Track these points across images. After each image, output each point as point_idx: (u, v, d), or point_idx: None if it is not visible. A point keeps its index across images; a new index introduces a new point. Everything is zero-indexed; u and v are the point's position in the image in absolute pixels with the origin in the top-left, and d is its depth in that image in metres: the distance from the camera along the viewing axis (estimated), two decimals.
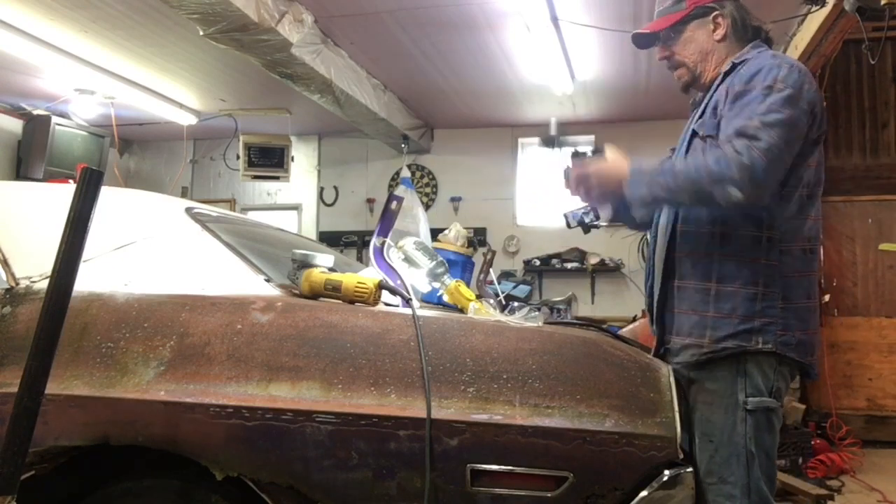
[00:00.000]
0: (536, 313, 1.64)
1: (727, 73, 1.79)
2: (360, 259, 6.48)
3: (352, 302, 1.57)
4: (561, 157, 1.95)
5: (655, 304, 1.80)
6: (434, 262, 1.97)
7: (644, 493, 1.34)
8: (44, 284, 1.46)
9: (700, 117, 1.80)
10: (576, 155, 1.79)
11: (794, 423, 4.77)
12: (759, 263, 1.68)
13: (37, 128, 5.98)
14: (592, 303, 6.49)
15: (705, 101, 1.82)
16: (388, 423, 1.36)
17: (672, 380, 1.45)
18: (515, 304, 1.72)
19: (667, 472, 1.36)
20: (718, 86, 1.79)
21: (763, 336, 1.66)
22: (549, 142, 1.93)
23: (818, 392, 5.39)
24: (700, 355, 1.67)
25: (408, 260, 1.97)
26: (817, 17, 3.82)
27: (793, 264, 1.70)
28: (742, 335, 1.66)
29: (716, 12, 1.84)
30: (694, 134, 1.79)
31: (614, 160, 1.76)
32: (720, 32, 1.84)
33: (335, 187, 7.25)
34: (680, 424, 1.38)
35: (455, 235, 3.16)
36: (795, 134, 1.62)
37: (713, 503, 1.65)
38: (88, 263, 1.50)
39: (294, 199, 7.27)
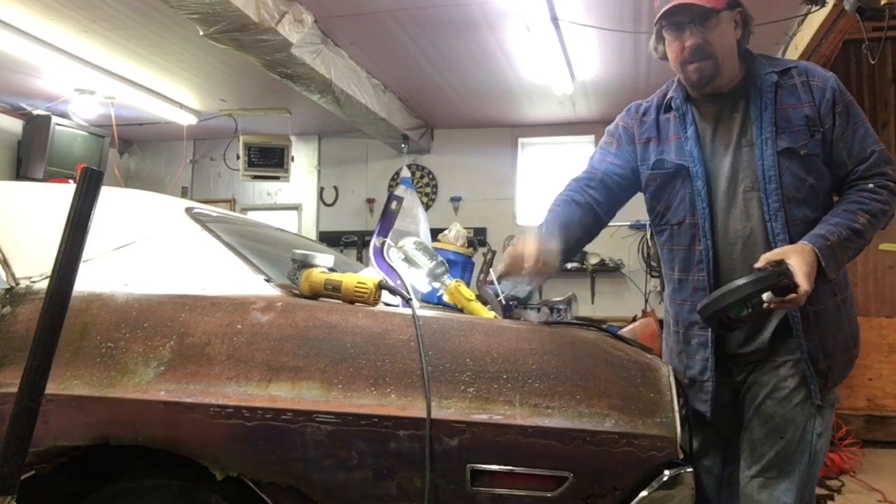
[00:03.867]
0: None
1: (777, 84, 1.73)
2: (360, 259, 6.47)
3: (352, 302, 1.57)
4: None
5: (801, 335, 1.69)
6: (434, 262, 1.97)
7: (644, 493, 1.34)
8: (44, 284, 1.46)
9: (777, 130, 1.70)
10: (783, 275, 1.55)
11: None
12: (846, 266, 1.73)
13: (37, 128, 5.98)
14: (592, 303, 6.48)
15: (758, 110, 1.73)
16: (388, 423, 1.36)
17: (672, 380, 1.44)
18: (513, 303, 1.71)
19: (667, 472, 1.36)
20: (775, 94, 1.72)
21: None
22: None
23: None
24: (853, 365, 1.75)
25: (408, 260, 1.97)
26: (817, 17, 3.82)
27: None
28: (859, 331, 1.78)
29: (740, 9, 1.76)
30: (787, 151, 1.69)
31: (801, 255, 1.57)
32: (739, 32, 1.77)
33: (335, 187, 7.24)
34: (680, 424, 1.38)
35: (455, 235, 3.16)
36: None
37: (761, 499, 1.68)
38: (88, 263, 1.50)
39: (294, 199, 7.27)
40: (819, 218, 1.68)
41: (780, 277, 1.53)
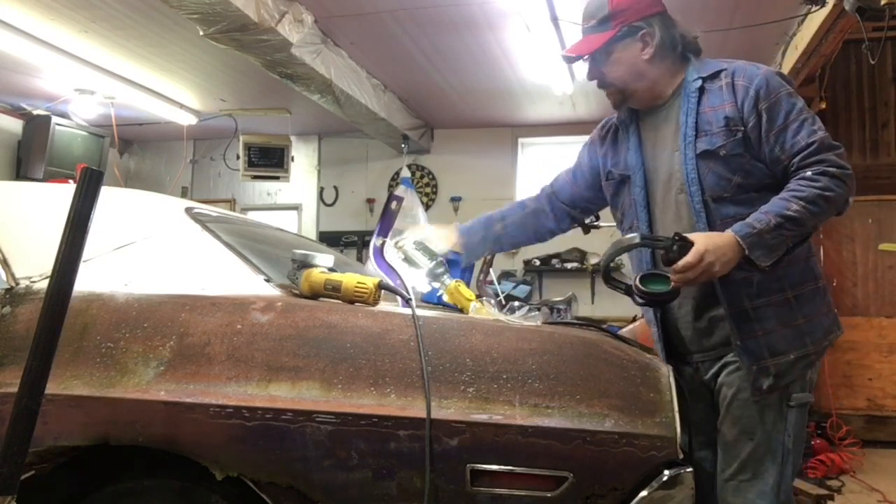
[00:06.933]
0: (536, 312, 1.64)
1: (702, 88, 1.76)
2: (360, 259, 6.48)
3: (352, 302, 1.57)
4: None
5: (737, 333, 1.70)
6: (434, 262, 1.96)
7: (644, 493, 1.34)
8: (44, 284, 1.46)
9: (697, 134, 1.73)
10: (681, 243, 1.57)
11: None
12: (810, 260, 1.74)
13: (37, 128, 5.98)
14: (592, 303, 6.48)
15: (684, 116, 1.77)
16: (388, 423, 1.36)
17: (672, 380, 1.45)
18: (515, 303, 1.71)
19: (667, 472, 1.36)
20: (699, 98, 1.76)
21: (837, 325, 1.76)
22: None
23: (818, 392, 5.38)
24: (811, 364, 1.71)
25: (408, 260, 1.97)
26: (817, 17, 3.82)
27: (811, 250, 1.77)
28: (829, 330, 1.74)
29: (643, 31, 1.80)
30: (706, 153, 1.72)
31: (713, 238, 1.60)
32: (648, 52, 1.80)
33: (335, 187, 7.25)
34: (680, 424, 1.38)
35: None
36: None
37: (738, 501, 1.67)
38: (88, 263, 1.50)
39: (294, 199, 7.27)
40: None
41: (672, 242, 1.57)
